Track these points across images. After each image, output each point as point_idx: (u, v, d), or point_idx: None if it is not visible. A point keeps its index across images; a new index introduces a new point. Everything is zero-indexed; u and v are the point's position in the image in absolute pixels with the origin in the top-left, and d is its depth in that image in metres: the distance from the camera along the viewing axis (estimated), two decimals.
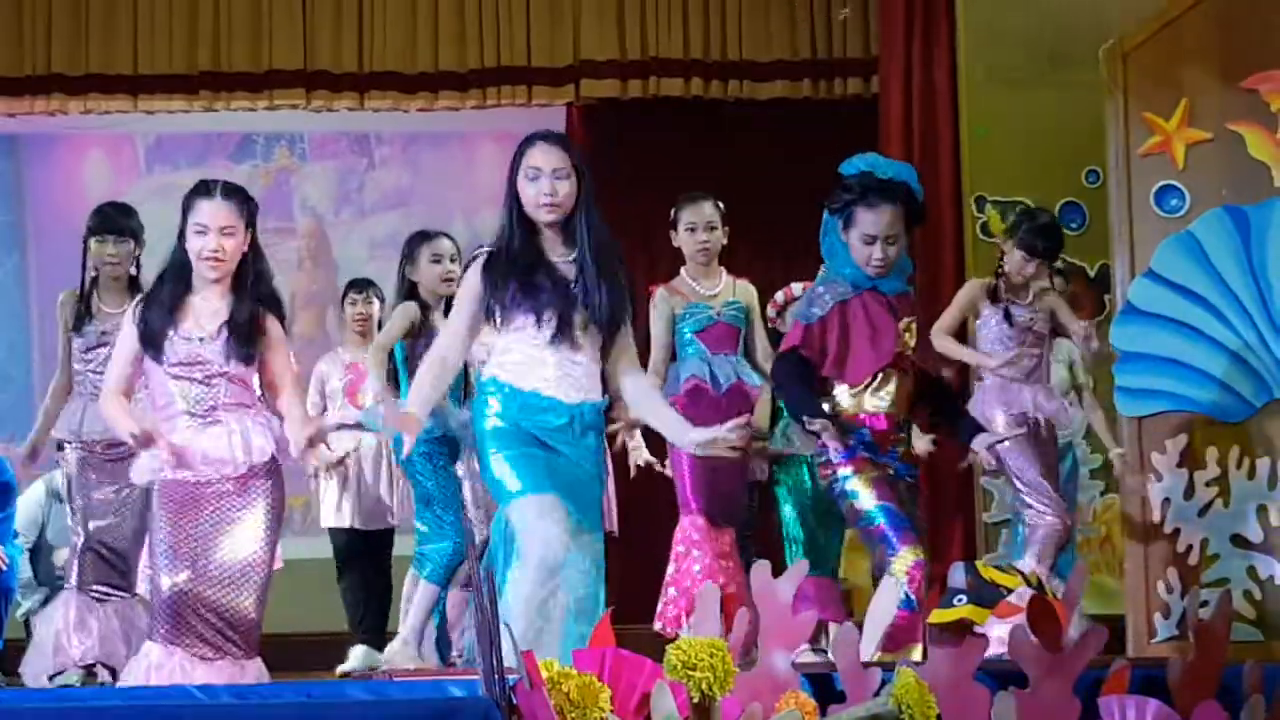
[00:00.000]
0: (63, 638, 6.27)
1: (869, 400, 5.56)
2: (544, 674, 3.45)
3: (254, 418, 5.19)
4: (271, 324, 5.24)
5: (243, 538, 5.13)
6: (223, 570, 5.09)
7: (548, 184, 4.89)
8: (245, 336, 5.16)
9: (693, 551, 6.51)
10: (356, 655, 7.40)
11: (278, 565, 7.30)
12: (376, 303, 7.97)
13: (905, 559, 5.36)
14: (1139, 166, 6.92)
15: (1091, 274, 8.22)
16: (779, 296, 7.17)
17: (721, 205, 6.73)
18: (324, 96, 10.01)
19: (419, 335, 6.77)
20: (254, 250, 5.26)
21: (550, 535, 4.70)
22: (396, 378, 6.86)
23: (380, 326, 7.89)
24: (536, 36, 9.99)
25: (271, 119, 10.41)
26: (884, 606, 5.34)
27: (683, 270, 6.74)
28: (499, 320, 4.91)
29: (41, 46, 9.74)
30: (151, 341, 5.13)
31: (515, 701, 3.46)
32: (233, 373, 5.14)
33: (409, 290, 6.84)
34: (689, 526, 6.57)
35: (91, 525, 6.30)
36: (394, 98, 10.04)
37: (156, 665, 5.00)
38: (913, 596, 5.26)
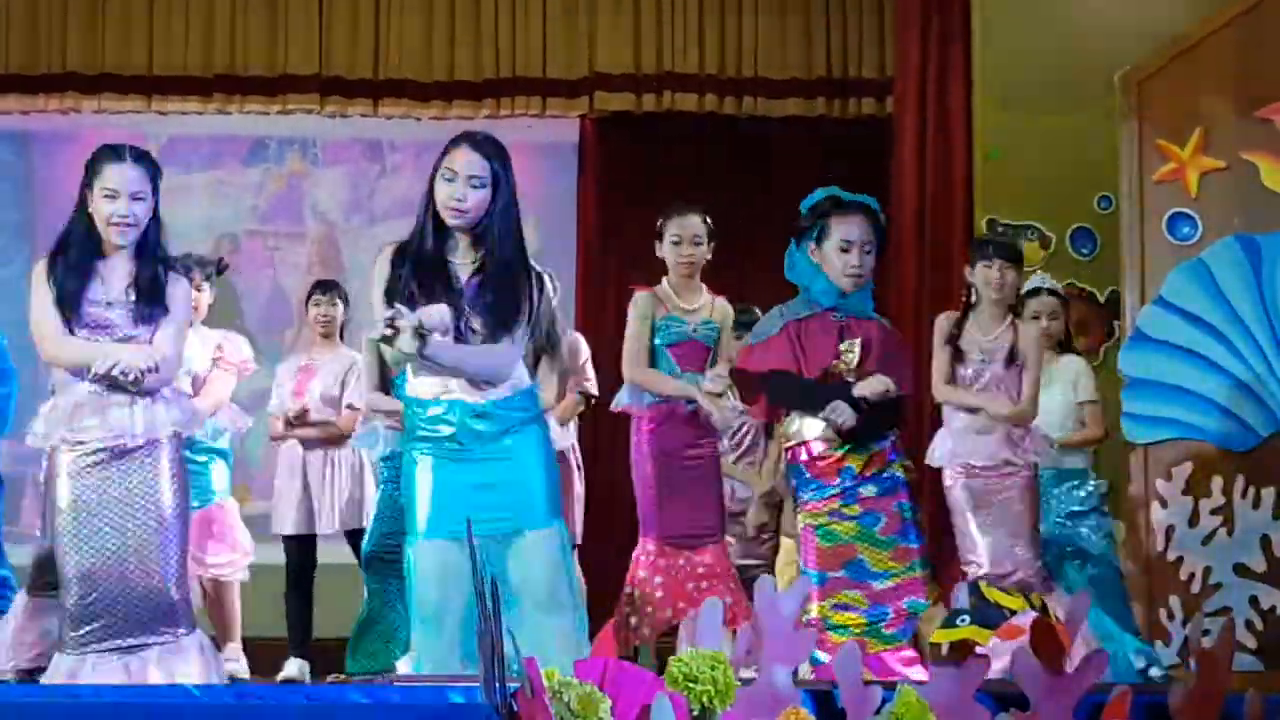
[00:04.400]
0: (14, 637, 6.22)
1: (806, 425, 5.57)
2: (545, 682, 3.44)
3: (154, 399, 5.17)
4: (175, 288, 5.22)
5: (151, 512, 5.10)
6: (128, 549, 5.06)
7: (459, 189, 4.87)
8: (150, 297, 5.14)
9: (655, 578, 6.46)
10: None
11: (249, 561, 7.39)
12: (340, 304, 7.98)
13: (805, 614, 5.38)
14: (1152, 193, 6.92)
15: (1102, 299, 8.22)
16: None
17: (709, 221, 6.69)
18: (338, 102, 10.04)
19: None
20: (156, 218, 5.23)
21: (429, 587, 4.80)
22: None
23: (341, 330, 7.95)
24: (552, 48, 10.02)
25: (285, 123, 10.42)
26: None
27: (664, 280, 6.68)
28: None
29: (57, 45, 9.79)
30: (67, 304, 5.10)
31: (515, 709, 3.45)
32: (139, 337, 5.12)
33: None
34: (648, 549, 6.51)
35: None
36: (408, 105, 10.07)
37: (68, 676, 4.96)
38: (818, 654, 5.23)
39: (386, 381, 6.80)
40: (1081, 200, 8.64)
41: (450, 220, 4.89)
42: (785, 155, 10.22)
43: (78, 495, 5.07)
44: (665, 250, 6.64)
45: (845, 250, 5.57)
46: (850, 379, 5.53)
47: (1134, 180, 6.97)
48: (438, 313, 4.74)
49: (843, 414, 5.47)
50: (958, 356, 6.46)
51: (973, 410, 6.40)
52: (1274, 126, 6.73)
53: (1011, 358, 6.46)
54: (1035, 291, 7.37)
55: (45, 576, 6.16)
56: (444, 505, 4.84)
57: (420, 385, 4.91)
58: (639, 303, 6.59)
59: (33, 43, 9.78)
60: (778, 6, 10.09)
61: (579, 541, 7.45)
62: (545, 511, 4.90)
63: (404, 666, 4.86)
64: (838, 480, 5.55)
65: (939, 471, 6.48)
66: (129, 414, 5.10)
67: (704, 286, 6.68)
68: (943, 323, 6.58)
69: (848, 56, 10.11)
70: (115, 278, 5.15)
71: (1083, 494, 7.27)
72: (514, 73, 9.98)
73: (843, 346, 5.56)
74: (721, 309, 6.67)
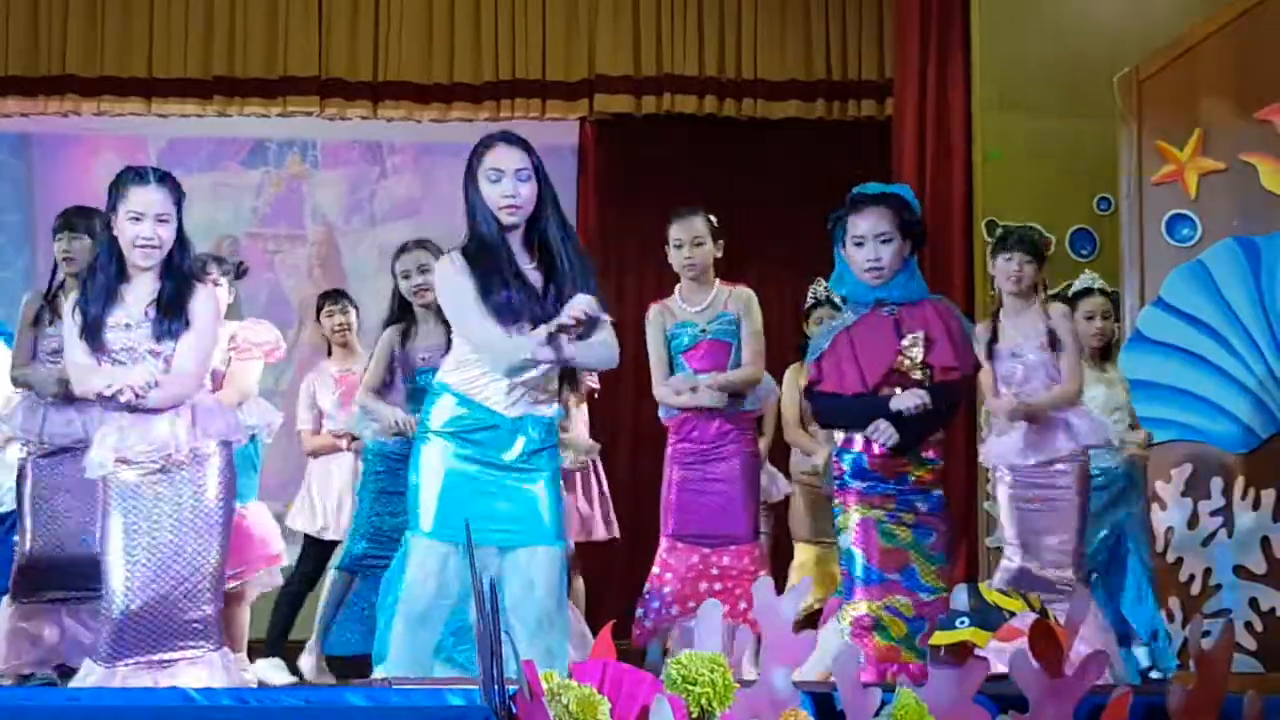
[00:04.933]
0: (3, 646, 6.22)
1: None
2: (544, 685, 3.44)
3: (191, 409, 5.19)
4: (197, 300, 5.20)
5: (198, 525, 5.12)
6: (174, 564, 5.07)
7: (510, 185, 4.84)
8: (170, 311, 5.15)
9: (665, 574, 6.49)
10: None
11: (282, 562, 7.36)
12: (352, 310, 7.98)
13: (854, 609, 5.35)
14: (1151, 195, 6.91)
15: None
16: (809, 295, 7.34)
17: (713, 219, 6.70)
18: (337, 104, 10.04)
19: (404, 347, 6.81)
20: (180, 239, 5.23)
21: (427, 585, 4.78)
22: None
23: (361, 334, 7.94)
24: (552, 50, 10.03)
25: (284, 125, 10.43)
26: (825, 643, 5.31)
27: (676, 288, 6.71)
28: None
29: (57, 48, 9.80)
30: (91, 333, 5.11)
31: (514, 711, 3.45)
32: (164, 352, 5.13)
33: (401, 304, 6.88)
34: (663, 546, 6.56)
35: (49, 531, 6.24)
36: (407, 107, 10.08)
37: (98, 684, 4.97)
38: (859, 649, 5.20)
39: (384, 385, 6.81)
40: (1080, 202, 8.64)
41: (508, 219, 4.86)
42: (785, 157, 10.22)
43: (130, 512, 5.09)
44: (671, 255, 6.67)
45: (859, 245, 5.55)
46: (918, 375, 5.49)
47: (1133, 182, 6.96)
48: (585, 301, 4.71)
49: (885, 434, 5.41)
50: (995, 353, 6.59)
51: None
52: (1273, 128, 6.72)
53: (1052, 343, 6.55)
54: (1087, 291, 7.42)
55: (31, 583, 6.17)
56: (453, 507, 4.81)
57: (461, 378, 4.88)
58: (651, 318, 6.63)
59: (33, 45, 9.78)
60: (777, 9, 10.10)
61: (611, 536, 7.53)
62: (551, 531, 4.90)
63: (380, 673, 4.83)
64: (894, 481, 5.52)
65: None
66: (170, 428, 5.11)
67: (717, 282, 6.69)
68: (979, 334, 6.61)
69: (847, 59, 10.12)
70: (135, 299, 5.16)
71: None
72: (514, 75, 9.99)
73: (905, 343, 5.51)
74: (738, 297, 6.65)
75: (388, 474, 6.80)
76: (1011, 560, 6.43)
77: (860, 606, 5.40)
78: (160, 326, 5.13)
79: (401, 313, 6.89)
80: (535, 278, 4.88)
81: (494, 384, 4.83)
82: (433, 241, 6.86)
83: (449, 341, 5.22)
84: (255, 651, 7.50)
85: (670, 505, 6.56)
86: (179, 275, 5.20)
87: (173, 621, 5.05)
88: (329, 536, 7.77)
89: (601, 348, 4.83)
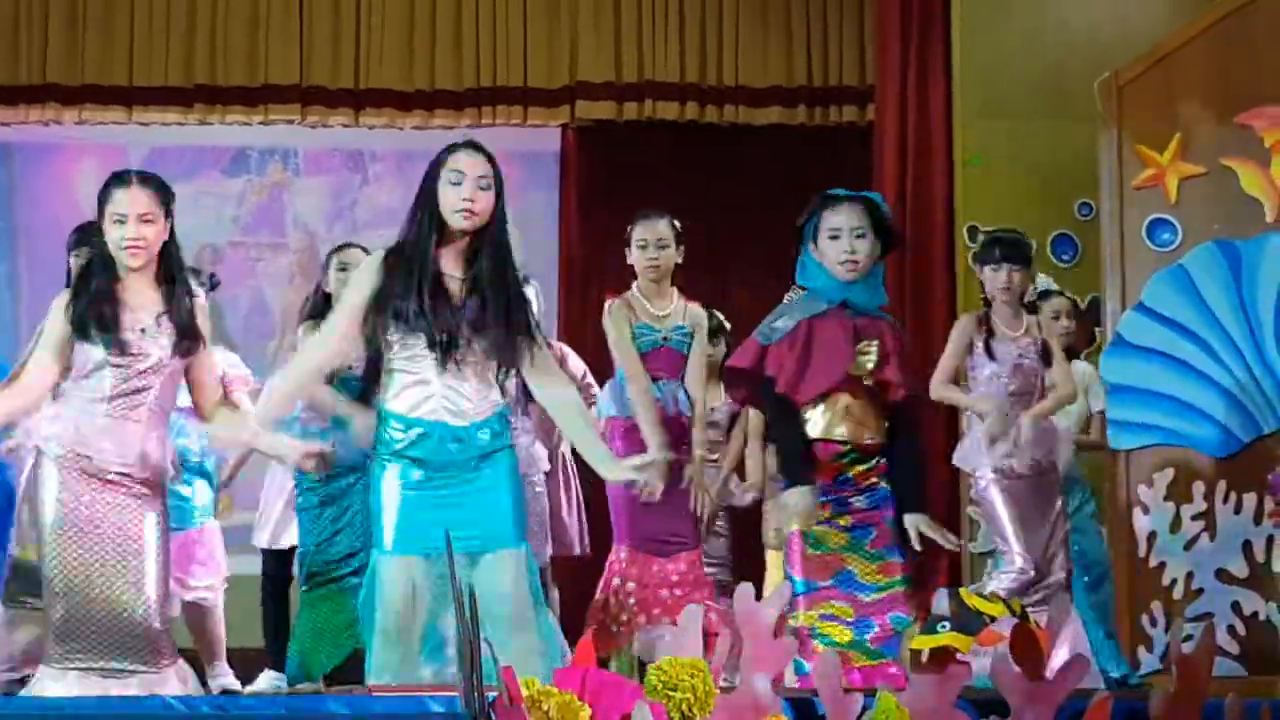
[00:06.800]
0: None
1: (817, 424, 5.47)
2: (524, 691, 3.43)
3: (163, 430, 5.19)
4: (202, 318, 5.24)
5: (140, 542, 5.09)
6: (122, 575, 5.05)
7: (469, 189, 4.84)
8: (187, 330, 5.15)
9: (628, 584, 6.45)
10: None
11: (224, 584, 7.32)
12: None
13: (793, 620, 5.30)
14: (1132, 199, 6.93)
15: (1082, 306, 8.23)
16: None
17: (677, 224, 6.66)
18: (319, 112, 10.02)
19: None
20: (173, 241, 5.22)
21: (397, 601, 4.78)
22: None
23: None
24: (533, 57, 10.02)
25: (266, 133, 10.41)
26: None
27: (634, 286, 6.65)
28: (389, 331, 4.86)
29: (37, 56, 9.77)
30: (99, 328, 5.07)
31: (494, 718, 3.44)
32: (171, 368, 5.12)
33: (323, 300, 6.80)
34: (620, 555, 6.51)
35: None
36: (389, 115, 10.06)
37: (51, 688, 4.94)
38: (803, 662, 5.18)
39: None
40: (1062, 207, 8.65)
41: (461, 223, 4.85)
42: (766, 163, 10.22)
43: (72, 511, 5.04)
44: (632, 256, 6.63)
45: (835, 238, 5.49)
46: (868, 382, 5.45)
47: (1114, 186, 6.98)
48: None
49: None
50: (990, 354, 6.50)
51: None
52: (1253, 132, 6.74)
53: (1045, 355, 6.53)
54: (1047, 294, 7.42)
55: (21, 586, 6.14)
56: (413, 521, 4.82)
57: (401, 401, 4.89)
58: (613, 311, 6.55)
59: (13, 54, 9.76)
60: (758, 15, 10.10)
61: (583, 552, 7.43)
62: (512, 533, 4.90)
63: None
64: (832, 484, 5.46)
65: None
66: (140, 442, 5.10)
67: (675, 290, 6.66)
68: (965, 325, 6.63)
69: (828, 64, 10.13)
70: (139, 304, 5.15)
71: (1088, 504, 7.30)
72: (495, 82, 9.98)
73: (860, 347, 5.43)
74: (694, 314, 6.62)
75: (318, 484, 6.72)
76: (1021, 571, 6.37)
77: (798, 617, 5.35)
78: (181, 346, 5.14)
79: (323, 310, 6.76)
80: (455, 287, 4.87)
81: (432, 399, 4.84)
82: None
83: None
84: (254, 662, 7.45)
85: (625, 513, 6.51)
86: (181, 285, 5.21)
87: (121, 635, 5.01)
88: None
89: None
